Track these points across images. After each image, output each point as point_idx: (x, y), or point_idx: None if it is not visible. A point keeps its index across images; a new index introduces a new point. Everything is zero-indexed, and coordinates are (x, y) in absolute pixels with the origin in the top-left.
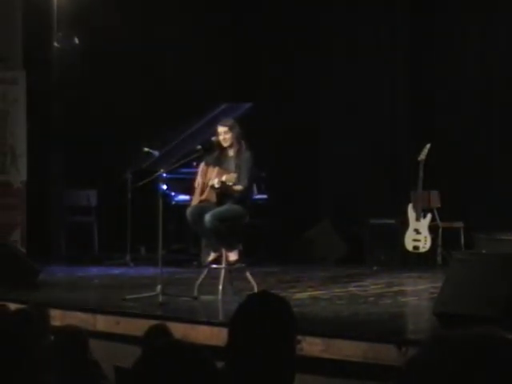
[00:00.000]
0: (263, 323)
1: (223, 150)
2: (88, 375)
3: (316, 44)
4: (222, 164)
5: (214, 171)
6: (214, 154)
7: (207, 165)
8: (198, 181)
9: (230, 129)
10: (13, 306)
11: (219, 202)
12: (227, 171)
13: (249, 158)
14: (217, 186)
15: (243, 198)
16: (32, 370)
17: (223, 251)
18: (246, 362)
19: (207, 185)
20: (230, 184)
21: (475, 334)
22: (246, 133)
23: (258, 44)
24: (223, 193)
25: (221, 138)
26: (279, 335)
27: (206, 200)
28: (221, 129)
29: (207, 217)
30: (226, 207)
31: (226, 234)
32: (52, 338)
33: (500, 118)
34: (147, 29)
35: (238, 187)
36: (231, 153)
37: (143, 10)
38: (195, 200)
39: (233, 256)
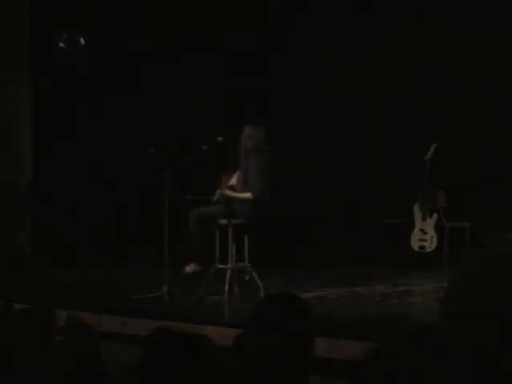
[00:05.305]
0: (288, 323)
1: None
2: (98, 375)
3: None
4: (240, 167)
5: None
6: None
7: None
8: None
9: (246, 138)
10: (18, 307)
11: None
12: (238, 176)
13: (256, 162)
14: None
15: (257, 201)
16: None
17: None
18: (263, 363)
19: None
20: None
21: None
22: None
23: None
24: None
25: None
26: (302, 337)
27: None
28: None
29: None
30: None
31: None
32: (57, 339)
33: (507, 116)
34: (158, 28)
35: (246, 195)
36: (245, 157)
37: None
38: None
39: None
